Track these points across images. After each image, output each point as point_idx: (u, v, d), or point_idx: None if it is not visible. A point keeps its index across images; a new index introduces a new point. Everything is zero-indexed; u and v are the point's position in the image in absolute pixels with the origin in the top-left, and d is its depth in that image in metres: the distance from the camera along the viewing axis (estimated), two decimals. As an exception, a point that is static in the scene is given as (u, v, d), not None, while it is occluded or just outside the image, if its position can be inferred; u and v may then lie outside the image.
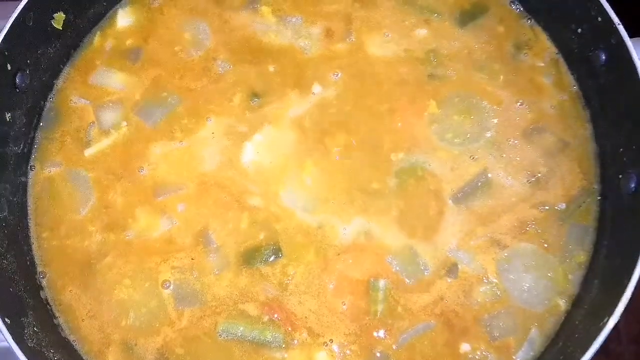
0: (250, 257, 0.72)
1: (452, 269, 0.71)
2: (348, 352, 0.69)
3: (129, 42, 0.83)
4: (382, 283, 0.71)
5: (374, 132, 0.77)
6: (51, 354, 0.67)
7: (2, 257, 0.69)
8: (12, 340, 0.61)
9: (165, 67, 0.81)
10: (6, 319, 0.62)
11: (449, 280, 0.71)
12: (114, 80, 0.81)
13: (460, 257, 0.72)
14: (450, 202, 0.74)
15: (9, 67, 0.72)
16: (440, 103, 0.77)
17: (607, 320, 0.60)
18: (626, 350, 0.99)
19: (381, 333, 0.69)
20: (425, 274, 0.71)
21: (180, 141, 0.78)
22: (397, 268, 0.71)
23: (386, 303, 0.70)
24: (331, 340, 0.69)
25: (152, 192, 0.76)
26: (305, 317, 0.70)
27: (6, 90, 0.73)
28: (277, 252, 0.72)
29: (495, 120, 0.77)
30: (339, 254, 0.72)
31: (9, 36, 0.71)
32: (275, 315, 0.70)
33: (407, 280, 0.71)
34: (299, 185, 0.75)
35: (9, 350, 0.61)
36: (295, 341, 0.69)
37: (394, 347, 0.69)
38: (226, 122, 0.78)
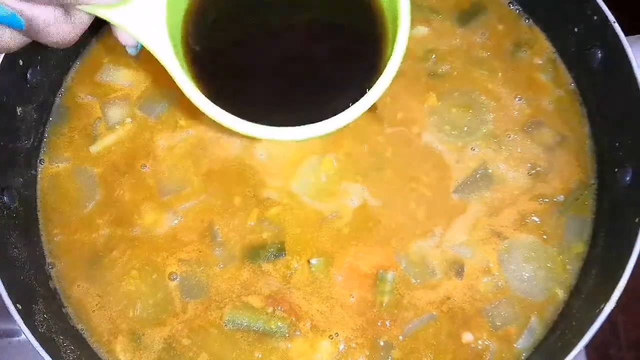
0: (255, 254, 0.73)
1: (459, 270, 0.72)
2: (354, 345, 0.70)
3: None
4: (390, 275, 0.72)
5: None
6: (61, 340, 0.68)
7: (13, 246, 0.71)
8: (23, 325, 0.62)
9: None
10: (18, 305, 0.63)
11: (458, 280, 0.72)
12: (120, 77, 0.82)
13: (464, 252, 0.73)
14: (453, 195, 0.75)
15: (21, 63, 0.73)
16: (440, 96, 0.78)
17: (604, 307, 0.62)
18: (626, 356, 0.99)
19: (387, 323, 0.70)
20: (433, 278, 0.72)
21: (187, 130, 0.78)
22: (405, 267, 0.72)
23: (392, 295, 0.71)
24: (337, 334, 0.70)
25: (156, 189, 0.76)
26: (311, 313, 0.71)
27: (18, 85, 0.74)
28: (281, 249, 0.73)
29: (494, 115, 0.78)
30: (346, 247, 0.73)
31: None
32: (280, 307, 0.71)
33: (413, 280, 0.72)
34: (313, 179, 0.75)
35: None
36: (298, 332, 0.70)
37: (400, 337, 0.70)
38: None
